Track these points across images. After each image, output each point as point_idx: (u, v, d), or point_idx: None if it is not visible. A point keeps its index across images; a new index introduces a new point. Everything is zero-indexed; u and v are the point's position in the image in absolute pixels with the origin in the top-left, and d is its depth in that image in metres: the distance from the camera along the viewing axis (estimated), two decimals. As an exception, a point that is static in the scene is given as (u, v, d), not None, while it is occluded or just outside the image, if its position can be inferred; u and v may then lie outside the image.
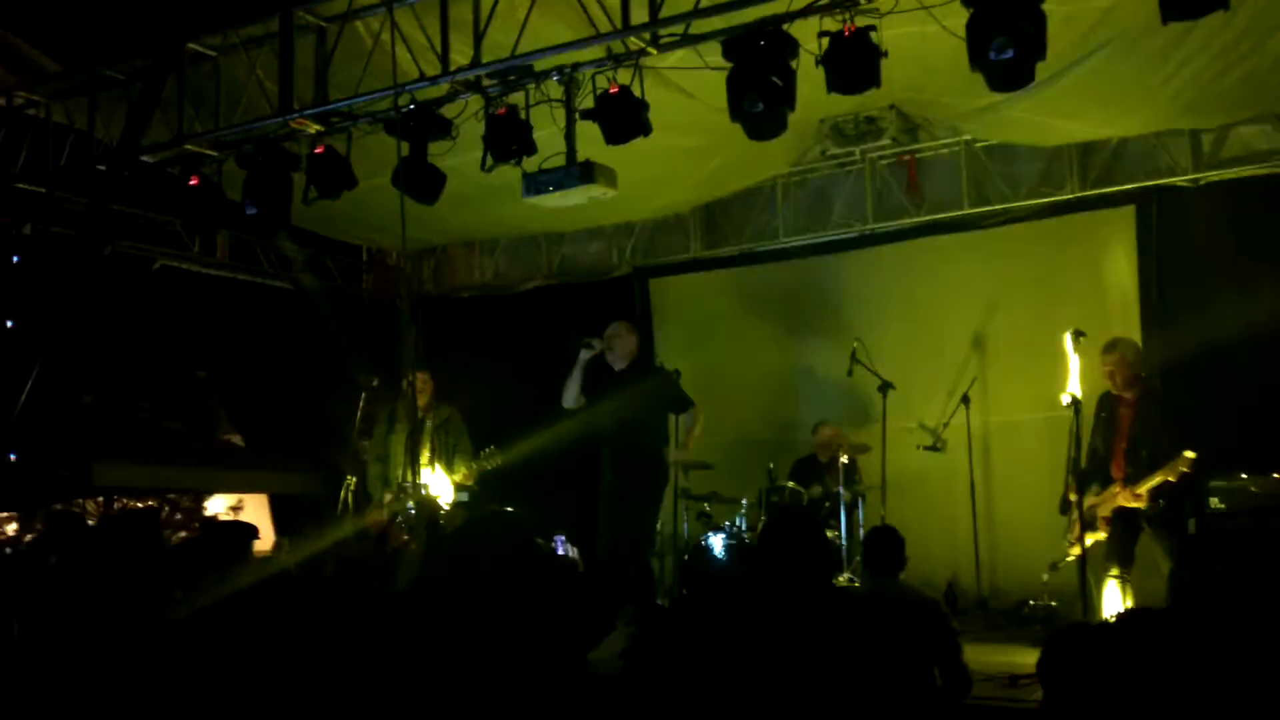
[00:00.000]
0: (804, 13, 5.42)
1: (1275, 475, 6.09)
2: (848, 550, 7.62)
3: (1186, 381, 6.57)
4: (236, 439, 9.26)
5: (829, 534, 7.85)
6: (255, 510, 8.70)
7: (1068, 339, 6.19)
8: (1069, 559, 6.47)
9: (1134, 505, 6.19)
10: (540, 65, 6.13)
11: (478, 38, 5.92)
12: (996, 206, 8.30)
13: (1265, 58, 6.17)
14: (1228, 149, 7.53)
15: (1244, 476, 6.14)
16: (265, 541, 8.26)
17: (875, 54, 5.35)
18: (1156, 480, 6.08)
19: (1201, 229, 7.52)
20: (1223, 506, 6.16)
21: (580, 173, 6.28)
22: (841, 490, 7.77)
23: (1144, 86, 6.60)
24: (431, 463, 7.47)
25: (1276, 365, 6.97)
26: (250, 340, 9.46)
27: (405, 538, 7.03)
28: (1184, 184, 7.60)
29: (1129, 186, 7.82)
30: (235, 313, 9.54)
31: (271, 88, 6.59)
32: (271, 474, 8.97)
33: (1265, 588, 2.77)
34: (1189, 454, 5.98)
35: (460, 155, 6.50)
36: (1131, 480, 6.23)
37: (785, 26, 5.48)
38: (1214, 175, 7.51)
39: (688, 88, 6.52)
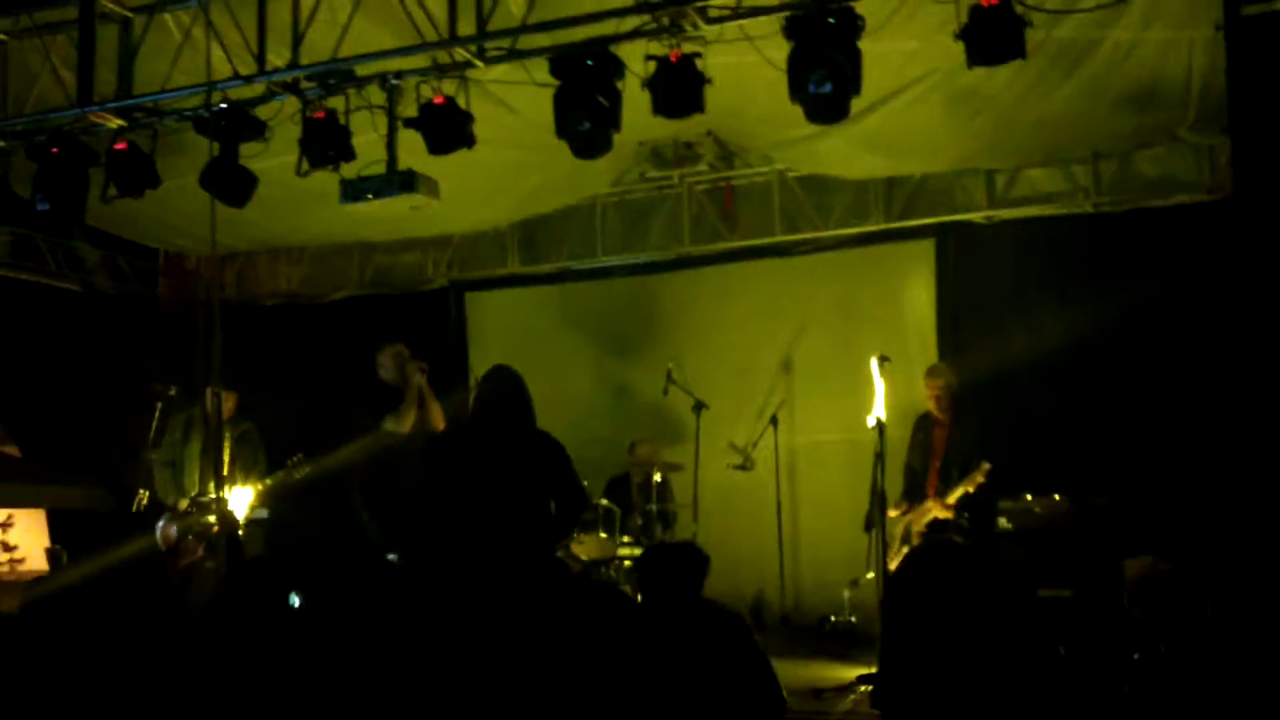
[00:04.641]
0: (631, 35, 5.50)
1: (1057, 496, 6.54)
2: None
3: (977, 405, 6.96)
4: (12, 449, 8.62)
5: (638, 551, 7.94)
6: (30, 526, 8.13)
7: (874, 363, 6.46)
8: (869, 576, 6.76)
9: (945, 516, 6.60)
10: (362, 70, 5.98)
11: (296, 39, 5.73)
12: (807, 235, 8.57)
13: (1054, 105, 6.62)
14: (1018, 189, 8.02)
15: (1029, 498, 6.56)
16: (39, 559, 7.77)
17: (700, 80, 5.45)
18: (960, 491, 6.52)
19: (993, 262, 7.99)
20: (1009, 526, 6.58)
21: (401, 181, 6.16)
22: (654, 508, 7.85)
23: (946, 126, 6.96)
24: (231, 476, 7.15)
25: (1058, 391, 7.45)
26: (32, 345, 8.81)
27: (200, 554, 6.69)
28: (978, 220, 8.06)
29: (929, 220, 8.22)
30: (15, 314, 8.85)
31: (69, 77, 6.19)
32: (49, 487, 8.38)
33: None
34: (985, 465, 6.42)
35: (273, 158, 6.28)
36: (941, 494, 6.65)
37: (612, 48, 5.53)
38: (1005, 213, 7.99)
39: (512, 103, 6.48)
